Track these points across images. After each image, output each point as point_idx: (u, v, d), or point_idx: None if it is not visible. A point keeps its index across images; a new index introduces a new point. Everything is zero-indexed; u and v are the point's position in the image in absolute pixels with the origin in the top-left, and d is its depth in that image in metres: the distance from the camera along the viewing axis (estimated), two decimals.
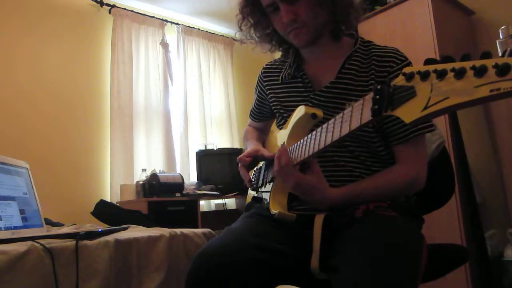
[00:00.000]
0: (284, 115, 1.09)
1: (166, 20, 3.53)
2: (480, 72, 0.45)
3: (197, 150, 3.34)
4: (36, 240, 0.89)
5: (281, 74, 1.12)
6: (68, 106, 2.95)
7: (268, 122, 1.30)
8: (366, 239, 0.80)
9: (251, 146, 1.15)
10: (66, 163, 2.85)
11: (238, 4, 1.09)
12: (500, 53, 2.17)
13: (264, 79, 1.18)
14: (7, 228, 1.04)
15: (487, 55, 0.46)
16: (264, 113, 1.25)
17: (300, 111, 0.97)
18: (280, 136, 1.07)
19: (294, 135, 0.99)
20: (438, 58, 2.25)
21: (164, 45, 3.43)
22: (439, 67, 0.50)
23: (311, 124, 0.98)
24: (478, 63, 0.46)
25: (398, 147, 0.96)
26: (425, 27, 2.34)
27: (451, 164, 1.19)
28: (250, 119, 1.34)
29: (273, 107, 1.15)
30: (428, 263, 0.84)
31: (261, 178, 1.12)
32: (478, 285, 2.08)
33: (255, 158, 1.10)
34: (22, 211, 1.15)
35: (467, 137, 2.22)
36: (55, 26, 2.97)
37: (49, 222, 1.53)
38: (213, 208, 3.48)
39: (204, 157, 3.29)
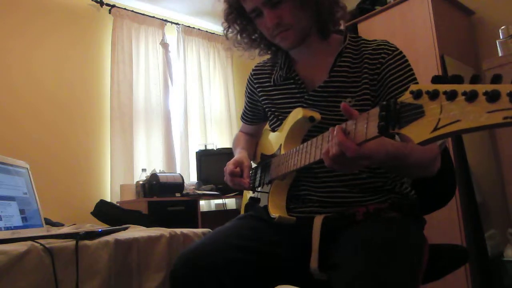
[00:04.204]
0: (279, 117, 1.08)
1: (166, 20, 3.52)
2: (493, 98, 0.44)
3: (197, 150, 3.33)
4: (36, 240, 0.89)
5: (273, 76, 1.11)
6: (68, 106, 2.94)
7: (260, 125, 1.28)
8: (366, 240, 0.80)
9: (237, 155, 1.14)
10: (65, 163, 2.85)
11: (222, 12, 1.08)
12: (500, 53, 2.17)
13: (255, 81, 1.17)
14: (7, 228, 1.04)
15: (497, 78, 0.45)
16: (257, 115, 1.24)
17: (297, 114, 0.96)
18: (276, 137, 1.07)
19: (291, 138, 0.99)
20: (438, 58, 2.25)
21: (164, 45, 3.43)
22: (449, 88, 0.48)
23: (308, 126, 0.97)
24: (490, 87, 0.44)
25: None
26: (425, 27, 2.34)
27: (453, 164, 1.19)
28: (242, 123, 1.32)
29: (266, 109, 1.14)
30: (428, 263, 0.84)
31: (257, 179, 1.11)
32: (478, 285, 2.08)
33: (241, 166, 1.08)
34: (22, 211, 1.15)
35: (467, 137, 2.22)
36: (55, 25, 2.97)
37: (49, 222, 1.53)
38: (213, 208, 3.48)
39: (204, 157, 3.29)
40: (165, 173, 2.92)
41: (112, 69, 3.13)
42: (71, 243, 0.93)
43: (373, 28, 2.63)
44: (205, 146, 3.43)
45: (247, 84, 1.22)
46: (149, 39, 3.40)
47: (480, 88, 0.45)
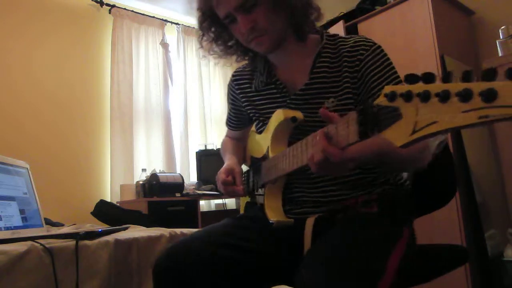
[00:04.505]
0: (265, 122, 1.07)
1: (166, 20, 3.53)
2: (465, 97, 0.43)
3: (197, 150, 3.34)
4: (36, 240, 0.89)
5: (254, 82, 1.09)
6: (68, 106, 2.95)
7: (246, 129, 1.26)
8: (336, 237, 0.81)
9: (226, 162, 1.13)
10: (65, 163, 2.85)
11: (196, 19, 1.06)
12: (500, 53, 2.17)
13: (236, 87, 1.15)
14: (7, 228, 1.04)
15: (468, 76, 0.44)
16: (242, 120, 1.22)
17: (278, 116, 0.96)
18: (263, 139, 1.06)
19: (277, 140, 0.98)
20: (438, 58, 2.25)
21: (164, 45, 3.44)
22: (421, 88, 0.47)
23: (291, 127, 0.97)
24: (461, 86, 0.43)
25: None
26: (425, 27, 2.34)
27: (453, 163, 1.19)
28: (227, 129, 1.30)
29: (250, 114, 1.13)
30: (428, 263, 0.84)
31: (251, 183, 1.11)
32: (478, 285, 2.08)
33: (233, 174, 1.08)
34: (22, 211, 1.15)
35: (467, 136, 2.22)
36: (55, 25, 2.97)
37: (49, 222, 1.53)
38: (213, 208, 3.49)
39: (204, 157, 3.29)
40: (165, 173, 2.92)
41: (112, 69, 3.13)
42: (71, 243, 0.93)
43: (373, 28, 2.63)
44: (205, 146, 3.43)
45: (228, 91, 1.20)
46: (149, 39, 3.40)
47: (453, 88, 0.44)
